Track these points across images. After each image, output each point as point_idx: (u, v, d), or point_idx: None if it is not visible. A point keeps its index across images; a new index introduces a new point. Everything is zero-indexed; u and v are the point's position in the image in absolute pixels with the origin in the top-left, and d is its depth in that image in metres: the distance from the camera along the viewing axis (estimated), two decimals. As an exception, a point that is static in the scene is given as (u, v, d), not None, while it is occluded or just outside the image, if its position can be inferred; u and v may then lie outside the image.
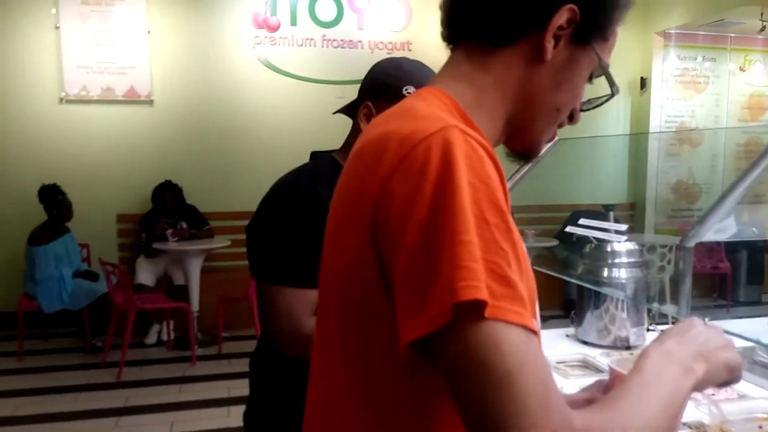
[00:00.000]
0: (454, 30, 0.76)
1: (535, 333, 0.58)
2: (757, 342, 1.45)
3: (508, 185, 2.02)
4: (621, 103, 6.25)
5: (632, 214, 6.22)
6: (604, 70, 0.75)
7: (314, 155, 1.44)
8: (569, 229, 1.64)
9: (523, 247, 0.73)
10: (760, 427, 1.12)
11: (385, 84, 1.30)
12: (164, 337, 4.81)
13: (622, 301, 1.82)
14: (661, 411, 0.62)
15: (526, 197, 4.65)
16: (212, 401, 3.73)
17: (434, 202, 0.57)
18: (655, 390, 0.64)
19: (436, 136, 0.60)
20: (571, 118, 0.80)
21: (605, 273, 1.84)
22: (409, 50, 5.54)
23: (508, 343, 0.55)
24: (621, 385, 0.64)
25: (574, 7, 0.69)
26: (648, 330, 1.86)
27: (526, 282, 0.61)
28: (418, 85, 1.26)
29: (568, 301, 4.98)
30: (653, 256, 4.71)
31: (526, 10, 0.70)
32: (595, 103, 0.80)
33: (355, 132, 1.34)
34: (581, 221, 1.63)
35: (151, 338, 4.84)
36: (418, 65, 1.32)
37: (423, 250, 0.57)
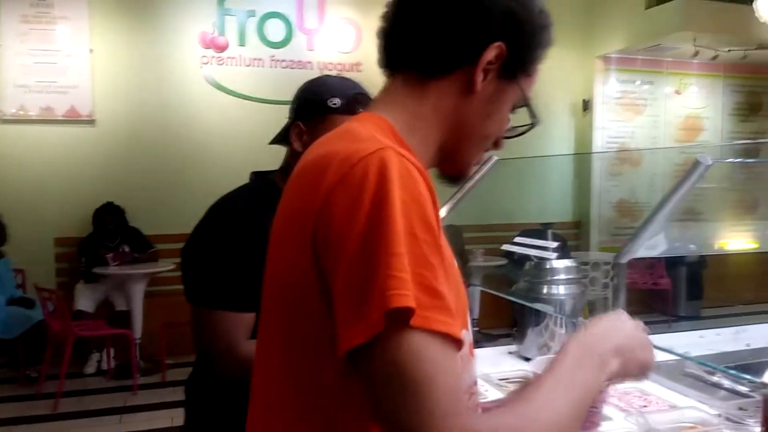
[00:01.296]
0: (392, 58, 0.81)
1: (458, 341, 0.62)
2: (684, 356, 1.50)
3: (450, 204, 2.04)
4: (565, 125, 6.43)
5: (577, 233, 6.37)
6: (526, 103, 0.82)
7: (254, 175, 1.42)
8: (505, 247, 1.67)
9: (454, 263, 0.78)
10: (685, 437, 1.15)
11: (311, 101, 1.31)
12: (104, 366, 4.63)
13: (561, 317, 1.85)
14: (572, 405, 0.67)
15: (476, 217, 4.73)
16: (155, 431, 3.60)
17: (371, 215, 0.61)
18: (568, 385, 0.68)
19: (374, 156, 0.65)
20: (496, 144, 0.86)
21: (544, 290, 1.87)
22: (359, 71, 5.57)
23: (426, 352, 0.59)
24: (536, 381, 0.69)
25: (503, 44, 0.76)
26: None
27: (455, 295, 0.66)
28: (342, 96, 1.28)
29: (515, 319, 5.02)
30: (597, 273, 4.82)
31: (460, 45, 0.76)
32: (518, 132, 0.85)
33: (291, 154, 1.34)
34: (517, 239, 1.66)
35: (91, 367, 4.66)
36: (341, 79, 1.35)
37: (360, 261, 0.61)
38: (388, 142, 0.68)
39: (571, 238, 6.23)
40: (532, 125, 0.83)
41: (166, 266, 4.69)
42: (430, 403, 0.58)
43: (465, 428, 0.59)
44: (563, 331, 1.85)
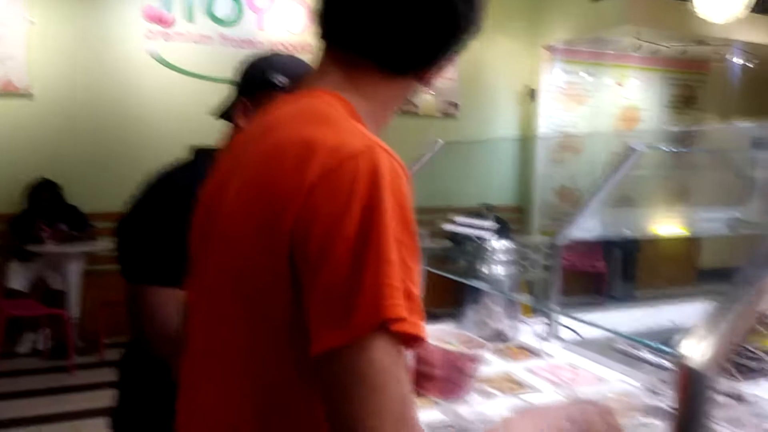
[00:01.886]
0: (352, 41, 0.77)
1: (424, 341, 0.63)
2: (612, 331, 1.58)
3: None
4: (511, 112, 6.55)
5: (520, 217, 6.53)
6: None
7: (195, 151, 1.40)
8: (446, 226, 1.71)
9: None
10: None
11: (257, 77, 1.30)
12: (40, 346, 4.48)
13: (499, 296, 1.91)
14: None
15: (424, 200, 4.77)
16: (92, 411, 3.52)
17: (363, 222, 0.60)
18: None
19: (364, 156, 0.64)
20: None
21: (483, 269, 1.92)
22: (310, 52, 5.49)
23: (396, 357, 0.60)
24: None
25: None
26: (521, 322, 1.96)
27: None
28: (289, 74, 1.27)
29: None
30: (537, 256, 4.96)
31: (433, 52, 0.77)
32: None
33: (235, 130, 1.32)
34: (458, 219, 1.70)
35: (24, 347, 4.50)
36: (290, 57, 1.33)
37: (350, 266, 0.60)
38: (372, 136, 0.68)
39: (514, 222, 6.38)
40: (424, 92, 0.89)
41: (104, 244, 4.56)
42: (385, 409, 0.59)
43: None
44: (500, 309, 1.91)
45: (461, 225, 1.65)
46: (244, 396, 0.69)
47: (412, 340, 0.61)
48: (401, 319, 0.59)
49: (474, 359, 0.92)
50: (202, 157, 1.35)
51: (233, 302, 0.71)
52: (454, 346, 0.94)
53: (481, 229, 1.67)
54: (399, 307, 0.59)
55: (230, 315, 0.71)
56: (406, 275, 0.61)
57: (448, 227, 1.68)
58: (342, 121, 0.70)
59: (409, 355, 0.79)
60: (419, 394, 0.94)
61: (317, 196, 0.63)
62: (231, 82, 1.39)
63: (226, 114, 1.34)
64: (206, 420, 0.74)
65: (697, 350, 0.64)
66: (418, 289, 0.63)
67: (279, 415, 0.68)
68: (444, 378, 0.92)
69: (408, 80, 0.79)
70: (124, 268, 1.24)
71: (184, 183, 1.20)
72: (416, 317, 0.61)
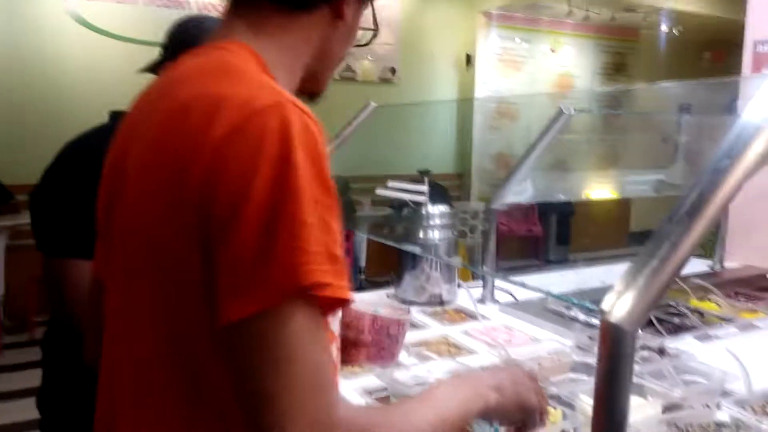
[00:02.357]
0: None
1: (350, 302, 0.60)
2: (547, 292, 1.62)
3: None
4: (449, 79, 6.57)
5: (459, 184, 6.61)
6: (374, 16, 0.83)
7: (112, 114, 1.33)
8: (379, 191, 1.70)
9: None
10: (539, 364, 1.25)
11: (186, 41, 1.23)
12: (-37, 327, 4.26)
13: (436, 260, 1.92)
14: (435, 424, 0.68)
15: (362, 168, 4.75)
16: (21, 392, 3.38)
17: (274, 183, 0.57)
18: (436, 406, 0.70)
19: (273, 112, 0.60)
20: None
21: (420, 234, 1.93)
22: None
23: (302, 325, 0.57)
24: (409, 398, 0.72)
25: None
26: (459, 287, 1.99)
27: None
28: None
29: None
30: (476, 221, 5.05)
31: None
32: (364, 41, 0.87)
33: None
34: (391, 183, 1.69)
35: (-55, 328, 4.27)
36: (218, 19, 1.28)
37: (260, 231, 0.56)
38: (280, 89, 0.64)
39: (454, 189, 6.45)
40: (374, 34, 0.85)
41: (28, 218, 4.33)
42: (298, 378, 0.57)
43: (327, 405, 0.58)
44: (438, 274, 1.93)
45: (395, 190, 1.64)
46: (164, 369, 0.66)
47: (337, 304, 0.59)
48: (323, 284, 0.57)
49: (401, 324, 0.93)
50: (119, 120, 1.28)
51: (144, 271, 0.67)
52: (381, 312, 0.94)
53: (416, 194, 1.66)
54: (318, 271, 0.57)
55: (142, 285, 0.68)
56: (327, 237, 0.59)
57: (382, 192, 1.67)
58: (249, 74, 0.66)
59: (333, 321, 0.78)
60: (349, 362, 0.94)
61: (223, 155, 0.59)
62: (159, 45, 1.32)
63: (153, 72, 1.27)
64: (127, 395, 0.70)
65: (617, 306, 0.65)
66: (341, 251, 0.61)
67: (200, 387, 0.65)
68: (373, 343, 0.93)
69: (317, 17, 0.75)
70: (39, 241, 1.18)
71: (97, 148, 1.14)
72: (340, 280, 0.59)
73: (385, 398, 1.06)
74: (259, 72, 0.68)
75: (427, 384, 1.16)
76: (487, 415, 0.77)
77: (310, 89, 0.83)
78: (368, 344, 0.92)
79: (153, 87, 0.75)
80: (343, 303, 0.60)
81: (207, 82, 0.66)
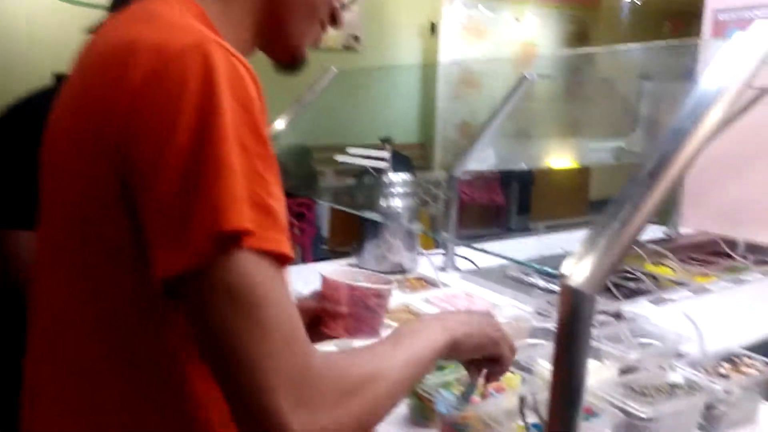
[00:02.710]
0: None
1: (290, 258, 0.58)
2: (506, 258, 1.63)
3: (287, 117, 1.98)
4: (413, 47, 6.50)
5: (423, 153, 6.60)
6: None
7: (56, 77, 1.26)
8: (339, 158, 1.67)
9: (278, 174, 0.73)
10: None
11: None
12: None
13: (398, 229, 1.91)
14: (402, 366, 0.66)
15: (325, 138, 4.70)
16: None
17: (197, 126, 0.53)
18: (405, 347, 0.68)
19: (195, 52, 0.55)
20: (334, 21, 0.79)
21: (381, 202, 1.91)
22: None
23: (260, 274, 0.54)
24: (377, 341, 0.70)
25: None
26: (420, 255, 1.98)
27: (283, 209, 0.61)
28: None
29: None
30: (439, 191, 5.05)
31: None
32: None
33: None
34: (351, 150, 1.66)
35: None
36: None
37: (184, 178, 0.53)
38: (208, 32, 0.59)
39: (418, 158, 6.44)
40: None
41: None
42: (270, 328, 0.54)
43: (303, 353, 0.56)
44: (399, 242, 1.92)
45: (356, 156, 1.61)
46: (93, 336, 0.63)
47: (276, 258, 0.56)
48: (247, 231, 0.53)
49: (380, 295, 0.90)
50: (62, 82, 1.21)
51: (67, 234, 0.63)
52: (360, 283, 0.92)
53: (376, 160, 1.63)
54: (240, 217, 0.53)
55: (66, 249, 0.64)
56: (260, 187, 0.55)
57: (342, 158, 1.64)
58: (172, 19, 0.61)
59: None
60: (328, 335, 0.92)
61: (143, 103, 0.55)
62: (105, 8, 1.24)
63: None
64: (56, 368, 0.67)
65: (577, 270, 0.64)
66: (279, 204, 0.57)
67: (134, 356, 0.62)
68: (351, 315, 0.90)
69: None
70: None
71: (38, 111, 1.07)
72: (276, 233, 0.56)
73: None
74: (185, 15, 0.62)
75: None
76: (455, 349, 0.75)
77: (282, 55, 0.76)
78: (345, 316, 0.89)
79: (83, 46, 0.70)
80: (284, 258, 0.57)
81: (124, 29, 0.61)
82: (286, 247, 0.56)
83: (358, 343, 0.76)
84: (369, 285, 0.92)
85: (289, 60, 0.78)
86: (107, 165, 0.57)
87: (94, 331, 0.62)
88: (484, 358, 0.83)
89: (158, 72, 0.55)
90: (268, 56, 0.77)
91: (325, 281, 0.92)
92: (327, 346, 0.85)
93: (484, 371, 0.86)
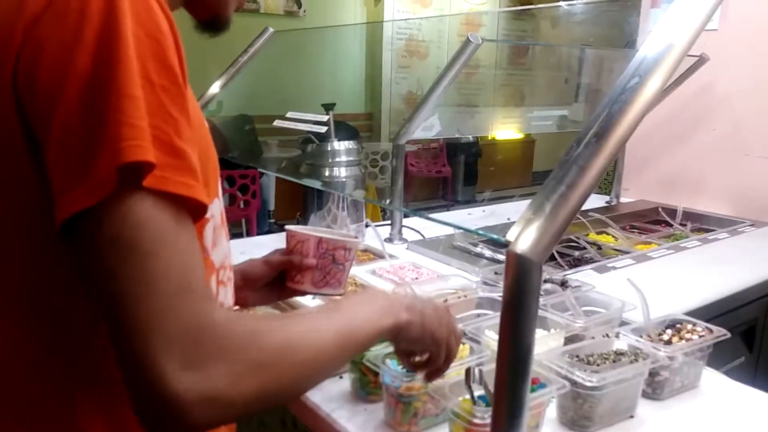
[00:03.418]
0: None
1: (202, 206, 0.53)
2: (452, 225, 1.61)
3: (224, 78, 1.86)
4: (357, 15, 6.37)
5: (370, 124, 6.53)
6: None
7: None
8: (278, 123, 1.59)
9: (204, 124, 0.67)
10: (446, 300, 1.23)
11: None
12: None
13: (343, 199, 1.86)
14: (332, 339, 0.61)
15: (269, 108, 4.58)
16: None
17: (98, 52, 0.48)
18: (340, 320, 0.64)
19: None
20: None
21: (326, 172, 1.85)
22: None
23: (159, 219, 0.49)
24: (309, 308, 0.67)
25: None
26: (366, 226, 1.94)
27: (204, 158, 0.56)
28: None
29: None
30: (386, 162, 5.01)
31: None
32: None
33: None
34: (290, 114, 1.59)
35: None
36: None
37: (84, 107, 0.48)
38: None
39: (365, 129, 6.37)
40: None
41: None
42: (156, 280, 0.49)
43: (198, 309, 0.50)
44: (345, 213, 1.87)
45: (294, 121, 1.54)
46: (9, 306, 0.57)
47: (186, 203, 0.51)
48: (150, 165, 0.48)
49: (348, 248, 0.88)
50: None
51: None
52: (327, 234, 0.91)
53: (316, 124, 1.57)
54: (142, 149, 0.48)
55: None
56: (166, 123, 0.50)
57: (280, 123, 1.57)
58: None
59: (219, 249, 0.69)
60: (294, 288, 0.90)
61: (41, 29, 0.50)
62: None
63: None
64: None
65: (523, 237, 0.61)
66: (191, 147, 0.52)
67: (55, 324, 0.57)
68: (319, 268, 0.89)
69: None
70: None
71: None
72: (184, 176, 0.51)
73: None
74: None
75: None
76: (396, 335, 0.71)
77: (204, 13, 0.71)
78: (313, 269, 0.88)
79: None
80: (197, 205, 0.52)
81: None
82: (197, 192, 0.51)
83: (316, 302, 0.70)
84: (337, 237, 0.91)
85: (209, 19, 0.72)
86: (6, 100, 0.51)
87: (13, 301, 0.57)
88: (421, 352, 0.78)
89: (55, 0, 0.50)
90: (190, 14, 0.71)
91: (293, 234, 0.91)
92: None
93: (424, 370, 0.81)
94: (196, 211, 0.53)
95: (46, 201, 0.51)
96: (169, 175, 0.50)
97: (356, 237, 0.93)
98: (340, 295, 0.94)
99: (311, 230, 0.93)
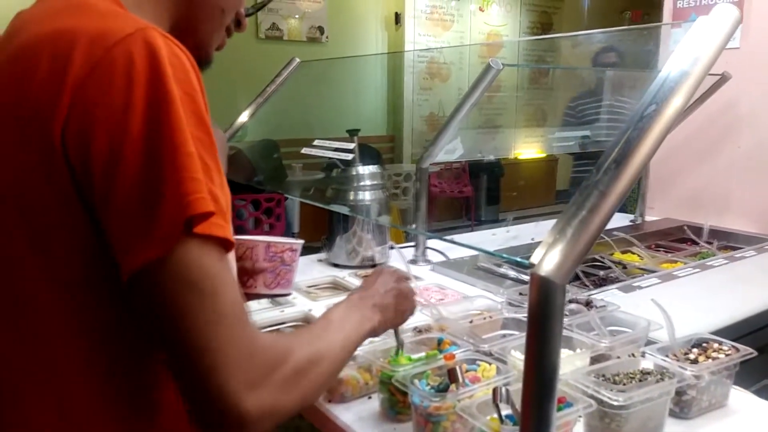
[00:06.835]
0: None
1: (232, 244, 0.59)
2: (477, 249, 1.63)
3: (251, 109, 1.92)
4: (378, 38, 6.47)
5: (392, 146, 6.59)
6: None
7: None
8: (306, 150, 1.64)
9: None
10: (471, 321, 1.25)
11: None
12: None
13: (368, 223, 1.89)
14: (339, 347, 0.73)
15: (293, 132, 4.65)
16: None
17: (150, 113, 0.52)
18: (337, 331, 0.76)
19: (136, 39, 0.53)
20: (239, 25, 0.81)
21: (350, 196, 1.89)
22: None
23: (211, 260, 0.55)
24: (310, 325, 0.78)
25: None
26: (391, 248, 1.97)
27: (224, 192, 0.61)
28: None
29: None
30: (408, 183, 5.05)
31: None
32: (258, 6, 0.84)
33: None
34: (317, 142, 1.63)
35: None
36: None
37: (144, 167, 0.52)
38: (141, 19, 0.57)
39: (387, 151, 6.42)
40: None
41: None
42: (223, 314, 0.55)
43: (249, 335, 0.57)
44: (370, 236, 1.90)
45: (322, 148, 1.59)
46: (60, 341, 0.60)
47: (224, 244, 0.57)
48: (209, 215, 0.54)
49: (294, 249, 0.97)
50: None
51: (12, 241, 0.59)
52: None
53: (343, 152, 1.61)
54: (206, 200, 0.54)
55: (17, 261, 0.59)
56: (206, 173, 0.55)
57: (308, 151, 1.61)
58: (102, 8, 0.60)
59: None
60: (247, 293, 0.97)
61: (88, 95, 0.53)
62: None
63: None
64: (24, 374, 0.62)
65: (546, 259, 0.63)
66: (221, 191, 0.57)
67: (113, 369, 0.61)
68: (270, 270, 0.96)
69: None
70: None
71: None
72: (221, 219, 0.56)
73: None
74: (114, 7, 0.61)
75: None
76: (374, 333, 0.87)
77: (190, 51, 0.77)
78: (265, 271, 0.95)
79: (5, 31, 0.67)
80: (228, 245, 0.58)
81: (53, 21, 0.59)
82: (228, 233, 0.57)
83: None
84: (284, 240, 0.99)
85: (196, 61, 0.78)
86: (55, 167, 0.54)
87: (64, 334, 0.60)
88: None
89: (101, 61, 0.53)
90: None
91: (241, 242, 0.97)
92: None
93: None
94: (227, 248, 0.58)
95: (102, 253, 0.55)
96: (213, 221, 0.55)
97: (298, 240, 1.03)
98: (289, 294, 1.06)
99: (250, 237, 1.00)
